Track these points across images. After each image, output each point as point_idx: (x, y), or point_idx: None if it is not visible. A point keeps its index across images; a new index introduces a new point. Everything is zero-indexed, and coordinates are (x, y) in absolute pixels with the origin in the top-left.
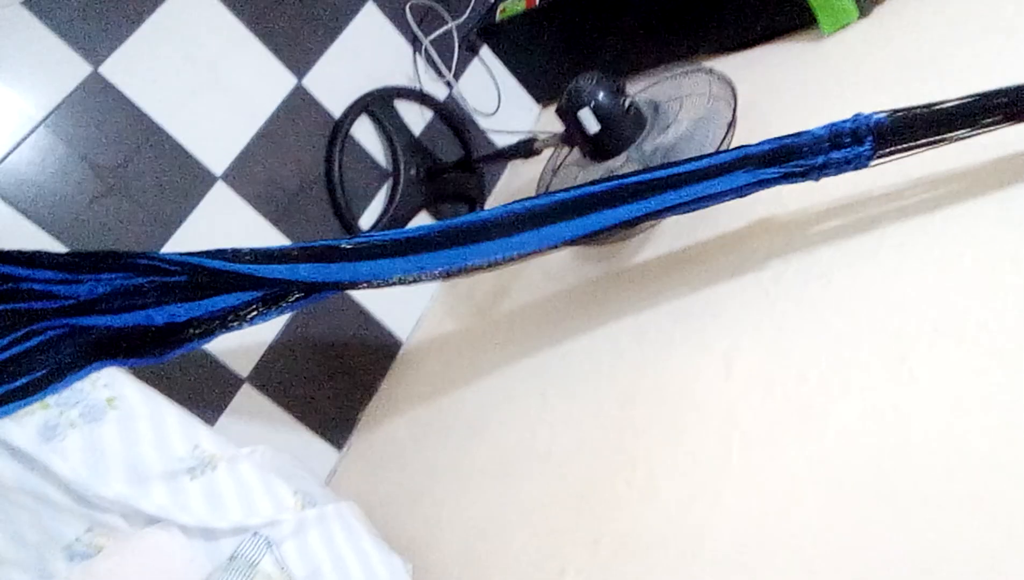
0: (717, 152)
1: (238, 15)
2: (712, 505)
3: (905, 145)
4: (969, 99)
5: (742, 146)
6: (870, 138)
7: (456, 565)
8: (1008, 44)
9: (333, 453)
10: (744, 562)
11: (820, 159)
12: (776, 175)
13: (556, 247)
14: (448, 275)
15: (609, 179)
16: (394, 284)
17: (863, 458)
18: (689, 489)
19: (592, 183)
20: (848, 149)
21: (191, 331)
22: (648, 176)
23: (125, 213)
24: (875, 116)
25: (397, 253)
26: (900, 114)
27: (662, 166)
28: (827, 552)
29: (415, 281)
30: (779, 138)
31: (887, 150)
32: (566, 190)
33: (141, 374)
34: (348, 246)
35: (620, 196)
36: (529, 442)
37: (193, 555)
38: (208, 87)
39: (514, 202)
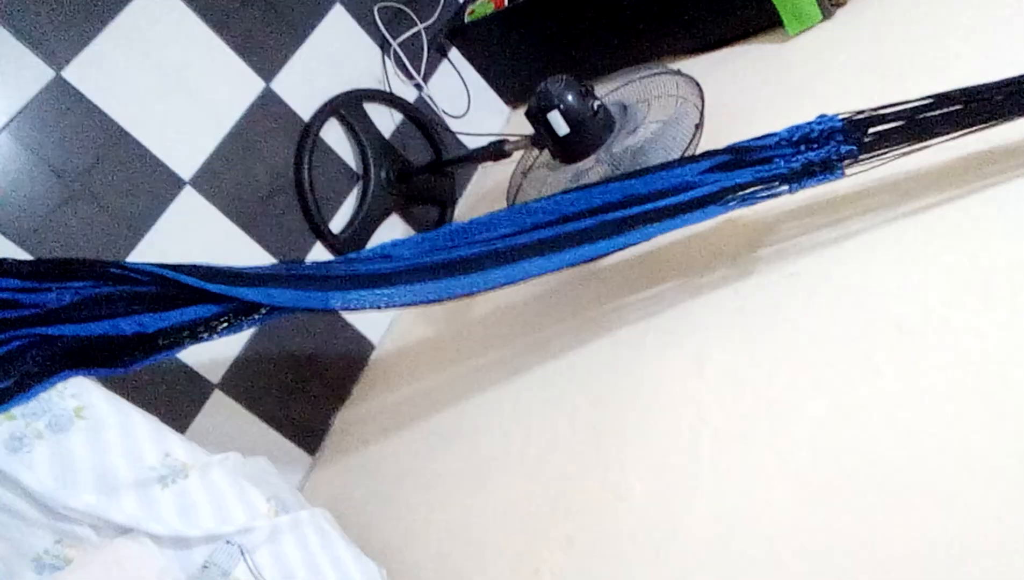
0: (698, 187)
1: (203, 18)
2: (684, 503)
3: (878, 153)
4: (929, 99)
5: (720, 171)
6: (839, 138)
7: (431, 568)
8: (966, 45)
9: (306, 459)
10: (716, 558)
11: (794, 186)
12: (753, 201)
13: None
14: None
15: (591, 214)
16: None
17: (832, 454)
18: (661, 488)
19: (573, 217)
20: (819, 175)
21: (159, 341)
22: (629, 211)
23: (91, 219)
24: (838, 119)
25: (371, 285)
26: (861, 117)
27: (642, 201)
28: (797, 547)
29: (388, 307)
30: (754, 166)
31: (861, 158)
32: (547, 225)
33: (110, 383)
34: (324, 274)
35: (602, 232)
36: (502, 444)
37: (165, 565)
38: (174, 91)
39: (492, 232)
